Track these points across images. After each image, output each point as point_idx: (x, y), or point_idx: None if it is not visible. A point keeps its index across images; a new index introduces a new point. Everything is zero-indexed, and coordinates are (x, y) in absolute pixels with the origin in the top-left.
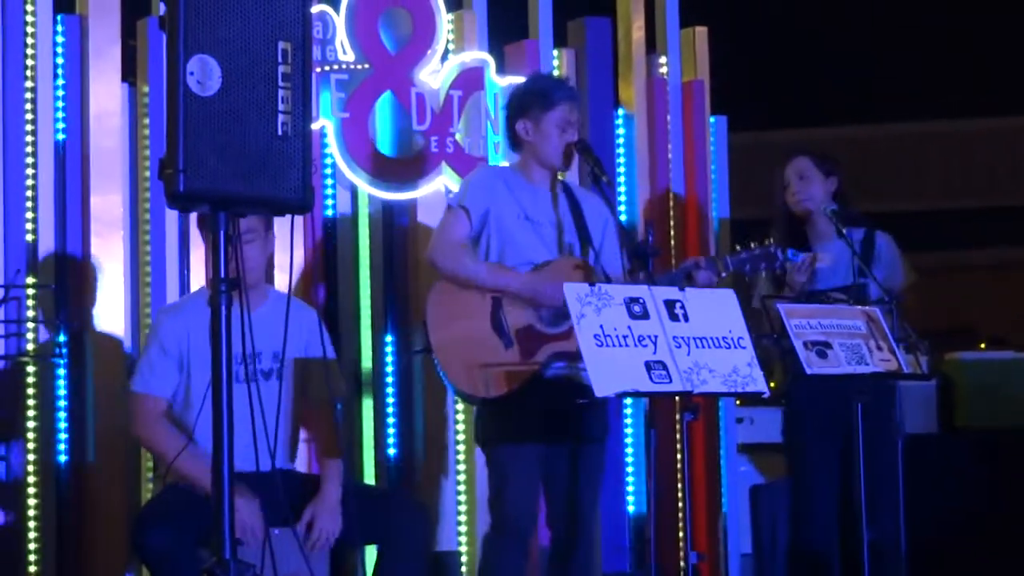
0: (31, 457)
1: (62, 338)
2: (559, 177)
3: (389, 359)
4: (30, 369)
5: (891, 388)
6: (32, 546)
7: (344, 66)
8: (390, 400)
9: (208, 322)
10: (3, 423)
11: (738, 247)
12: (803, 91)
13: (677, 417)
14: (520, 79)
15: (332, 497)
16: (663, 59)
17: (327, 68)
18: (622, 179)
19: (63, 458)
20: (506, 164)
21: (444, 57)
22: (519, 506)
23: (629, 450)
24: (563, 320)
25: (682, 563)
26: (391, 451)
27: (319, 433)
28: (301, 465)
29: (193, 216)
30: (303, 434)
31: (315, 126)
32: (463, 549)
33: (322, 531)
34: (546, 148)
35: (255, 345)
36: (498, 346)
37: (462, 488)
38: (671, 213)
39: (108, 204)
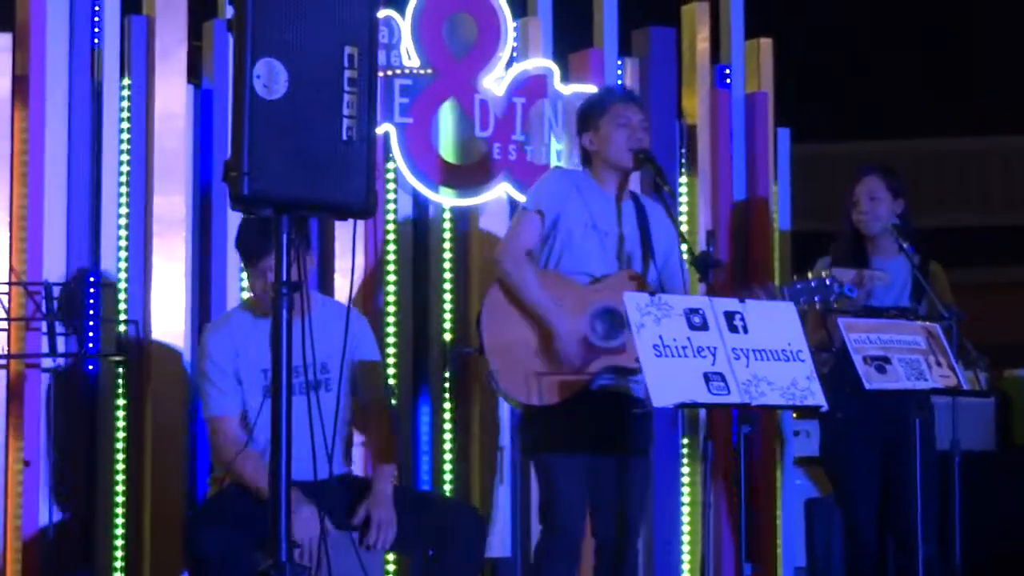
0: (90, 456)
1: (122, 338)
2: (627, 186)
3: (447, 364)
4: (90, 367)
5: (949, 404)
6: (88, 545)
7: (408, 71)
8: (447, 406)
9: (254, 335)
10: (63, 421)
11: (795, 277)
12: (865, 103)
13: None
14: (584, 87)
15: (385, 493)
16: (728, 70)
17: (391, 73)
18: (684, 189)
19: (120, 456)
20: (578, 167)
21: (508, 64)
22: (570, 513)
23: (685, 461)
24: (617, 334)
25: (736, 575)
26: (447, 455)
27: (373, 437)
28: (358, 469)
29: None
30: (358, 438)
31: (378, 131)
32: (517, 555)
33: (380, 525)
34: (608, 149)
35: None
36: (554, 354)
37: (516, 494)
38: (733, 224)
39: (171, 205)
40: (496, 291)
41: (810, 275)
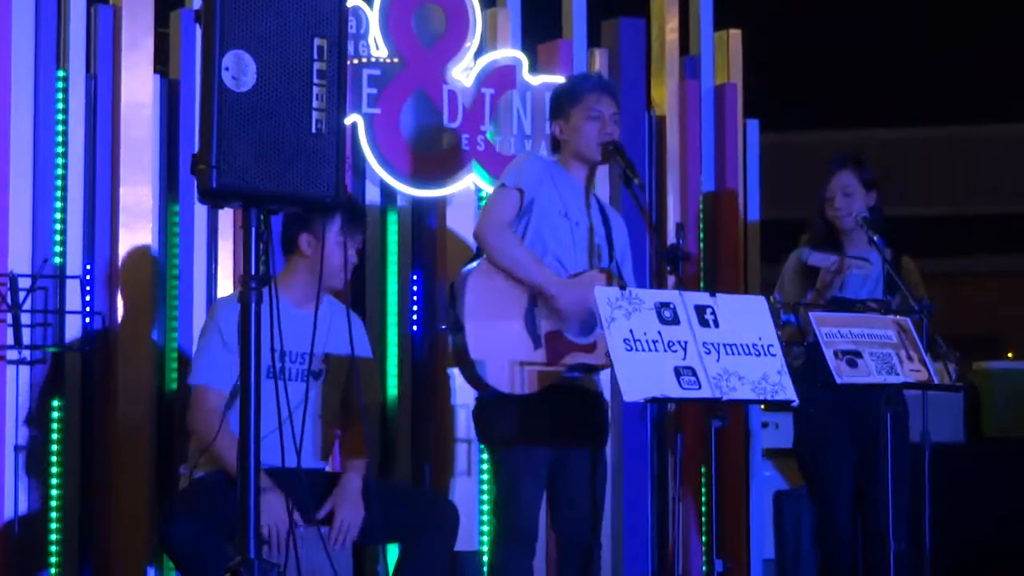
0: (55, 448)
1: (88, 329)
2: (594, 177)
3: (414, 355)
4: (55, 359)
5: (919, 397)
6: (54, 537)
7: (376, 61)
8: (411, 398)
9: (269, 314)
10: (28, 414)
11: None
12: (832, 92)
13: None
14: (552, 78)
15: (352, 487)
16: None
17: (358, 61)
18: (653, 181)
19: (86, 449)
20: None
21: (477, 55)
22: (531, 509)
23: (653, 455)
24: (591, 331)
25: (705, 568)
26: (413, 449)
27: (346, 433)
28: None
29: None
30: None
31: (346, 121)
32: (484, 549)
33: (343, 522)
34: (578, 140)
35: (302, 345)
36: (528, 344)
37: (485, 487)
38: (702, 216)
39: (137, 196)
40: (477, 272)
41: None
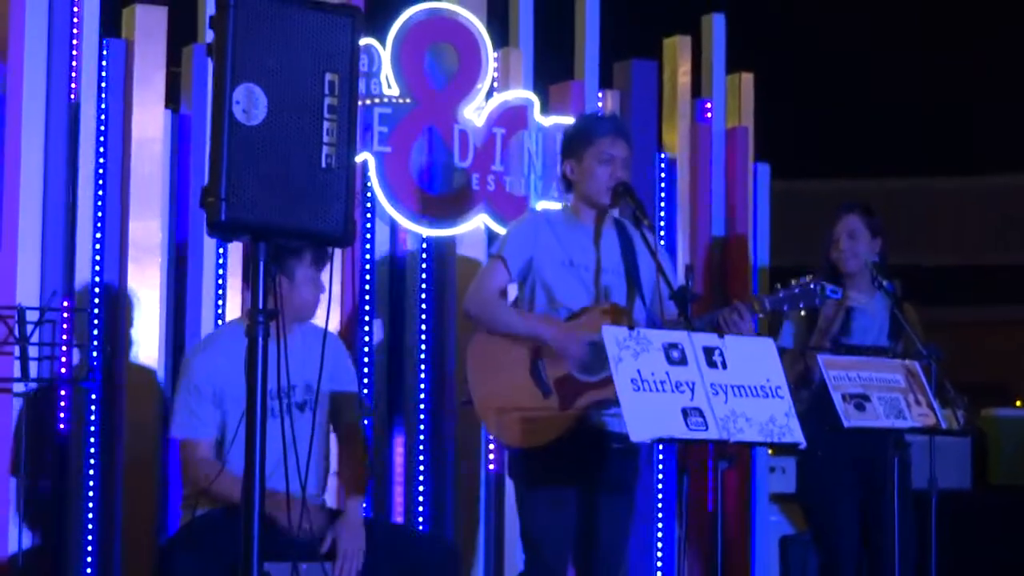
0: (61, 481)
1: (95, 363)
2: (607, 215)
3: (422, 395)
4: (62, 393)
5: (926, 443)
6: (58, 572)
7: (388, 100)
8: (422, 437)
9: (241, 356)
10: (34, 447)
11: (778, 285)
12: (842, 141)
13: (710, 464)
14: (564, 119)
15: (353, 521)
16: (709, 104)
17: (370, 101)
18: (663, 223)
19: (92, 483)
20: (558, 206)
21: (489, 95)
22: (551, 547)
23: (660, 496)
24: (600, 369)
25: None
26: (421, 488)
27: (345, 466)
28: (330, 497)
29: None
30: (332, 466)
31: (357, 159)
32: None
33: (347, 551)
34: (589, 184)
35: (290, 379)
36: (537, 395)
37: (492, 529)
38: (712, 258)
39: (147, 230)
40: (477, 342)
41: (792, 281)
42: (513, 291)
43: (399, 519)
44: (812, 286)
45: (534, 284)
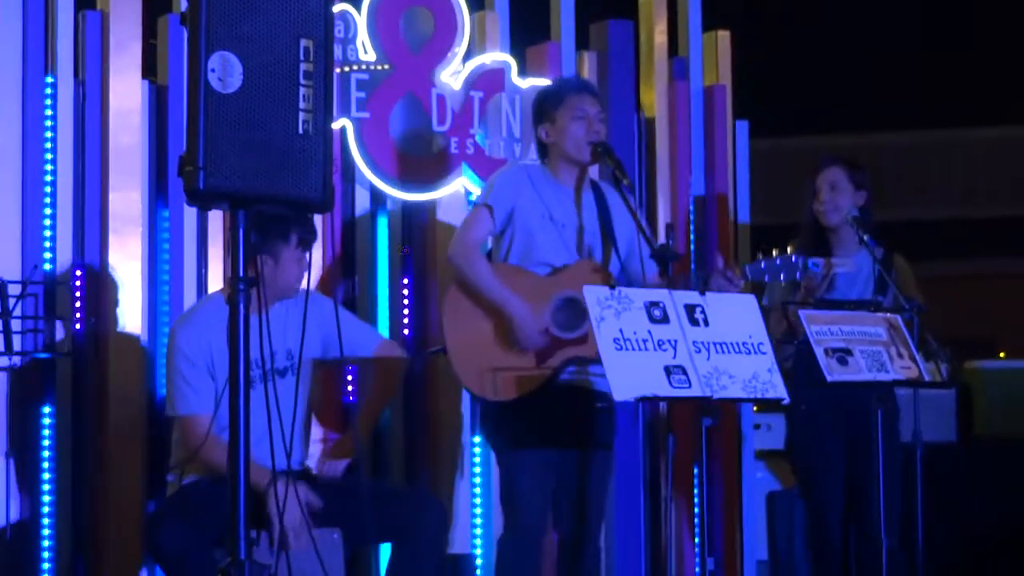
0: (46, 454)
1: (78, 335)
2: (586, 176)
3: (413, 363)
4: (46, 366)
5: (910, 396)
6: (46, 543)
7: (364, 66)
8: (405, 400)
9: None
10: (19, 420)
11: (760, 255)
12: (823, 96)
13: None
14: (541, 81)
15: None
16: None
17: (347, 69)
18: (643, 183)
19: (77, 455)
20: (535, 161)
21: (465, 58)
22: (531, 508)
23: (646, 454)
24: (579, 325)
25: (698, 569)
26: (405, 451)
27: (333, 431)
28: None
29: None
30: (316, 434)
31: (335, 126)
32: (478, 552)
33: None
34: (566, 142)
35: (272, 345)
36: (512, 349)
37: (478, 490)
38: (692, 217)
39: (127, 201)
40: (454, 290)
41: (774, 252)
42: (488, 242)
43: (385, 477)
44: (794, 259)
45: (512, 236)
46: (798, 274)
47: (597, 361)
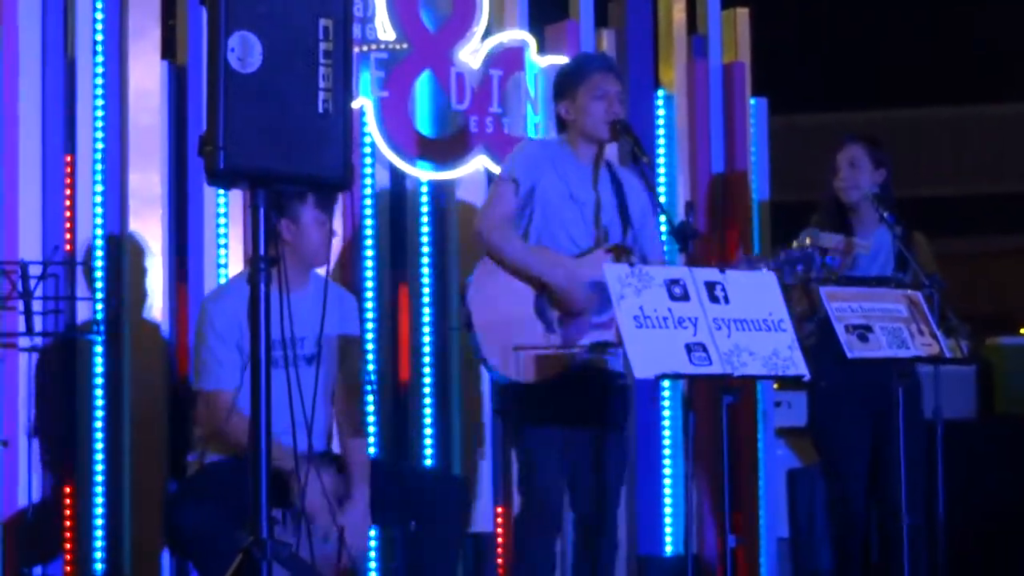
0: (68, 434)
1: (99, 316)
2: (603, 156)
3: (427, 339)
4: (68, 346)
5: (931, 373)
6: (68, 523)
7: (384, 45)
8: (427, 380)
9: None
10: (41, 401)
11: (781, 250)
12: (842, 73)
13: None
14: (560, 59)
15: (360, 507)
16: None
17: (367, 48)
18: (662, 160)
19: (99, 434)
20: (554, 136)
21: (484, 36)
22: (548, 488)
23: (667, 432)
24: (606, 308)
25: (719, 547)
26: (427, 430)
27: (346, 414)
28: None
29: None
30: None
31: (354, 105)
32: (499, 531)
33: (349, 550)
34: (585, 120)
35: (295, 331)
36: (539, 330)
37: (499, 469)
38: (711, 194)
39: (147, 182)
40: (482, 267)
41: (794, 244)
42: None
43: (406, 456)
44: (811, 251)
45: (532, 213)
46: (815, 268)
47: (618, 345)
